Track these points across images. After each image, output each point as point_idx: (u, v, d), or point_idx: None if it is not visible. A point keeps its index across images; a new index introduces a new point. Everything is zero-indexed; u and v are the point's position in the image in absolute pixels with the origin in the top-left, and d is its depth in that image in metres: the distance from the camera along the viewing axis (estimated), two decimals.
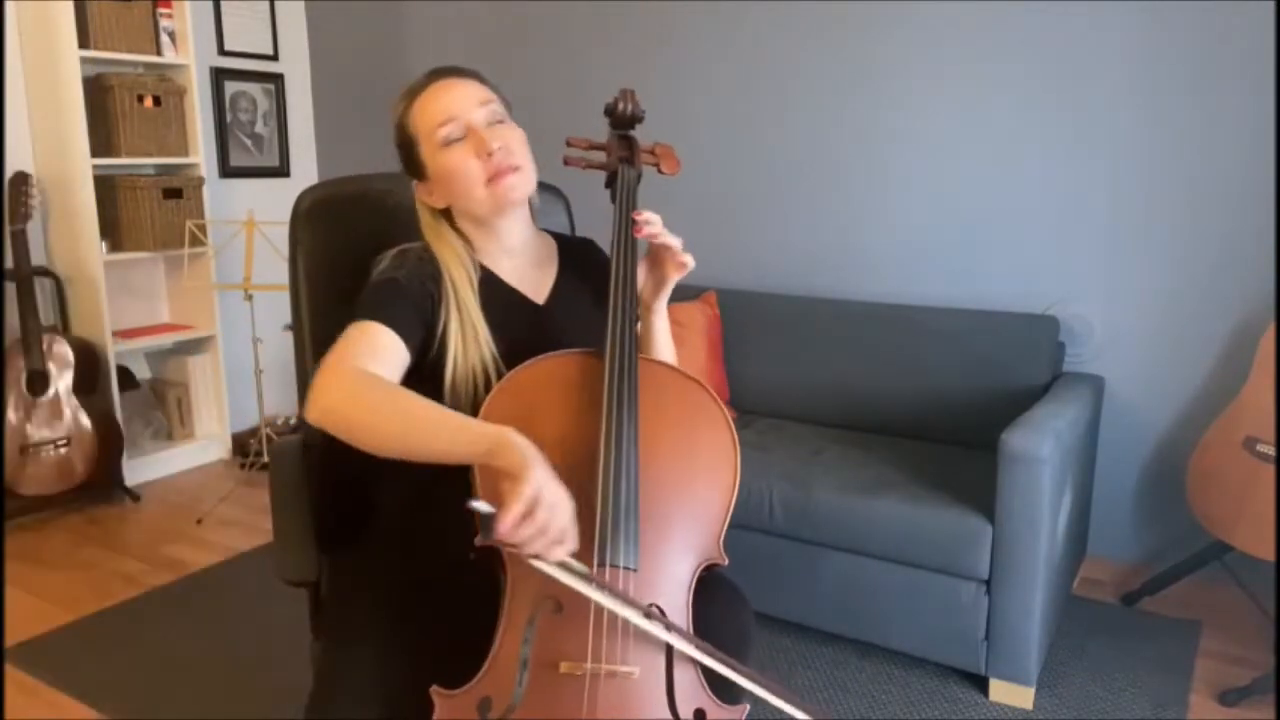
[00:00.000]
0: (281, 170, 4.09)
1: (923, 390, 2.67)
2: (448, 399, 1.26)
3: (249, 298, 3.41)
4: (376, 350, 1.19)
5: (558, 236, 1.49)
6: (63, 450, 3.15)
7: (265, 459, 3.63)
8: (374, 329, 1.20)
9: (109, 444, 3.26)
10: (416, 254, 1.32)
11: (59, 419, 3.15)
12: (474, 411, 1.18)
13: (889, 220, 2.93)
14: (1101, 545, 2.75)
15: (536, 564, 1.00)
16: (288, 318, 1.60)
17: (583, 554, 1.06)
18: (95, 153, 3.23)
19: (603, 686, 1.04)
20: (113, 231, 3.40)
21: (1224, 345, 2.52)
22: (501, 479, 0.99)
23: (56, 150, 3.28)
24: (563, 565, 1.01)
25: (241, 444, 3.80)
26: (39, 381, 3.12)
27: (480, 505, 0.96)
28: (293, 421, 4.02)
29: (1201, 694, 2.18)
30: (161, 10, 3.41)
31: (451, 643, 1.10)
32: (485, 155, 1.27)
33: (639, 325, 1.38)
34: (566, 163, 1.37)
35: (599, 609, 1.05)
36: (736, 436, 1.21)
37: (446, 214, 1.35)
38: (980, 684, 2.18)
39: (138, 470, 3.52)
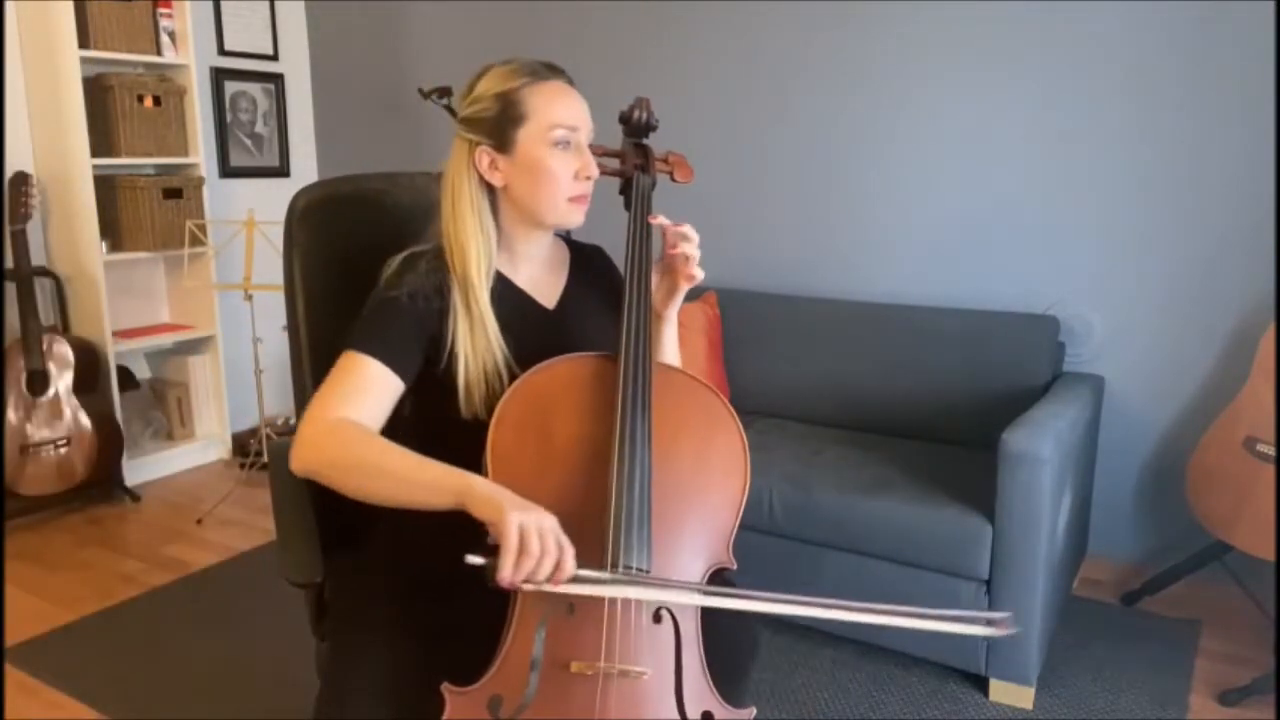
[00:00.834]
0: (281, 170, 4.09)
1: (923, 390, 2.67)
2: (462, 401, 1.26)
3: (249, 298, 3.41)
4: (362, 388, 1.21)
5: (569, 242, 1.50)
6: (63, 450, 3.15)
7: (265, 459, 3.63)
8: (362, 363, 1.21)
9: (109, 444, 3.26)
10: (426, 261, 1.30)
11: (59, 419, 3.15)
12: (489, 412, 1.18)
13: (889, 220, 2.93)
14: (1101, 545, 2.75)
15: (558, 589, 1.02)
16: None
17: (596, 555, 1.07)
18: (95, 153, 3.23)
19: (614, 687, 1.04)
20: (113, 231, 3.40)
21: (1224, 345, 2.52)
22: (490, 526, 1.03)
23: (56, 150, 3.28)
24: (578, 579, 1.03)
25: (241, 444, 3.79)
26: (39, 381, 3.12)
27: (475, 560, 1.01)
28: (292, 422, 4.01)
29: (1201, 694, 2.18)
30: (161, 10, 3.41)
31: (460, 641, 1.11)
32: (584, 177, 1.29)
33: None
34: None
35: (611, 610, 1.05)
36: (747, 442, 1.22)
37: (489, 191, 1.32)
38: (980, 684, 2.18)
39: (138, 470, 3.52)
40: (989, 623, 1.11)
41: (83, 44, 3.16)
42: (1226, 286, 2.50)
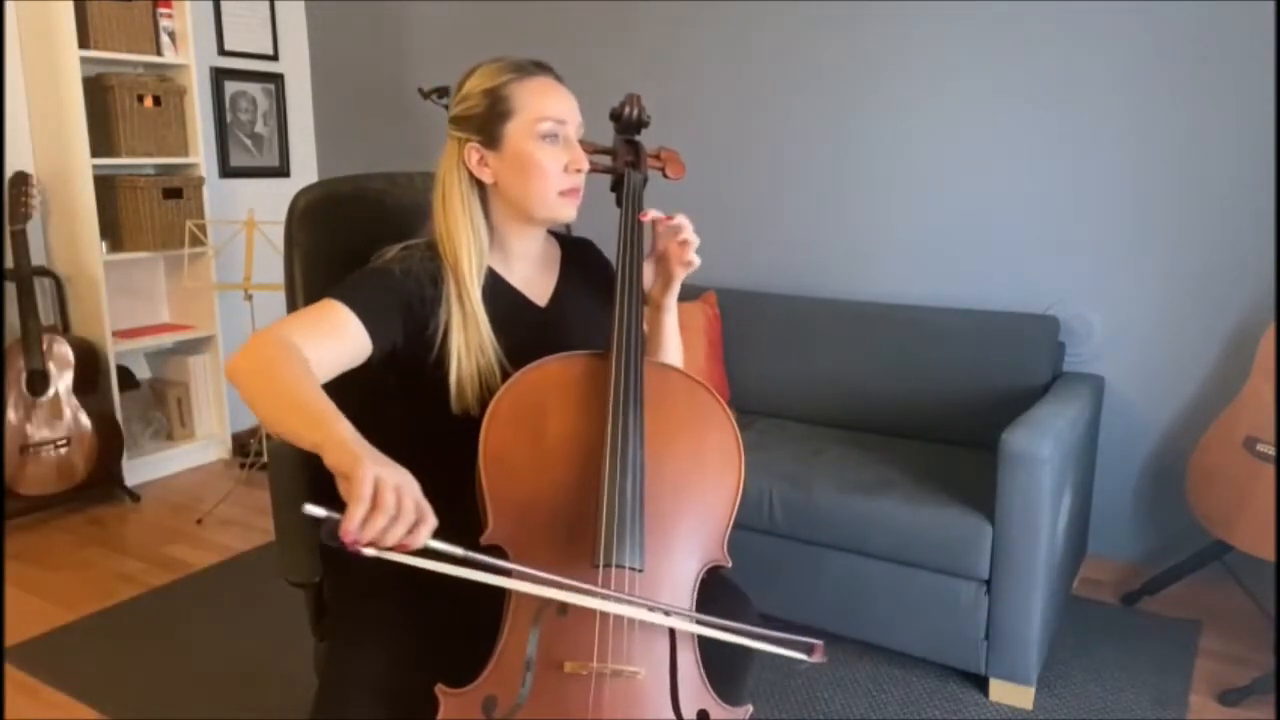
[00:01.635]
0: (281, 170, 4.09)
1: (923, 390, 2.67)
2: (454, 398, 1.26)
3: (249, 298, 3.40)
4: (326, 330, 1.18)
5: (560, 238, 1.50)
6: (63, 450, 3.15)
7: (265, 459, 3.63)
8: (337, 309, 1.20)
9: (109, 444, 3.26)
10: (421, 252, 1.31)
11: (59, 419, 3.15)
12: (482, 409, 1.18)
13: (889, 220, 2.93)
14: (1101, 545, 2.75)
15: (401, 558, 0.94)
16: None
17: (588, 555, 1.06)
18: (95, 153, 3.23)
19: (608, 686, 1.04)
20: (113, 231, 3.40)
21: (1224, 345, 2.52)
22: (339, 481, 0.95)
23: (56, 150, 3.28)
24: (431, 552, 0.95)
25: (241, 444, 3.80)
26: (39, 381, 3.12)
27: (315, 510, 0.89)
28: None
29: (1201, 694, 2.18)
30: (161, 10, 3.41)
31: (457, 642, 1.11)
32: (574, 170, 1.29)
33: (648, 324, 1.39)
34: None
35: (604, 609, 1.04)
36: (741, 440, 1.22)
37: (480, 189, 1.33)
38: (980, 684, 2.18)
39: (138, 470, 3.52)
40: (809, 650, 1.09)
41: (83, 44, 3.16)
42: (1226, 286, 2.50)
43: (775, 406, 2.88)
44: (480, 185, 1.32)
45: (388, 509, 0.90)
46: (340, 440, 0.97)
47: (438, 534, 0.96)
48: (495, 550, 1.09)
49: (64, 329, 3.36)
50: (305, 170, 4.19)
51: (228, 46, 3.83)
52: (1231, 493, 2.26)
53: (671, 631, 1.09)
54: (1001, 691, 2.13)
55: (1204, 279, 2.52)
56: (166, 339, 3.64)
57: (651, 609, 1.06)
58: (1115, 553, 2.74)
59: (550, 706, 1.03)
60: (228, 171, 3.88)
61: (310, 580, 1.43)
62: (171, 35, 3.45)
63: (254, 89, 3.95)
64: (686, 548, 1.15)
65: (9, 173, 3.14)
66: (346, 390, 1.14)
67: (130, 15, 3.31)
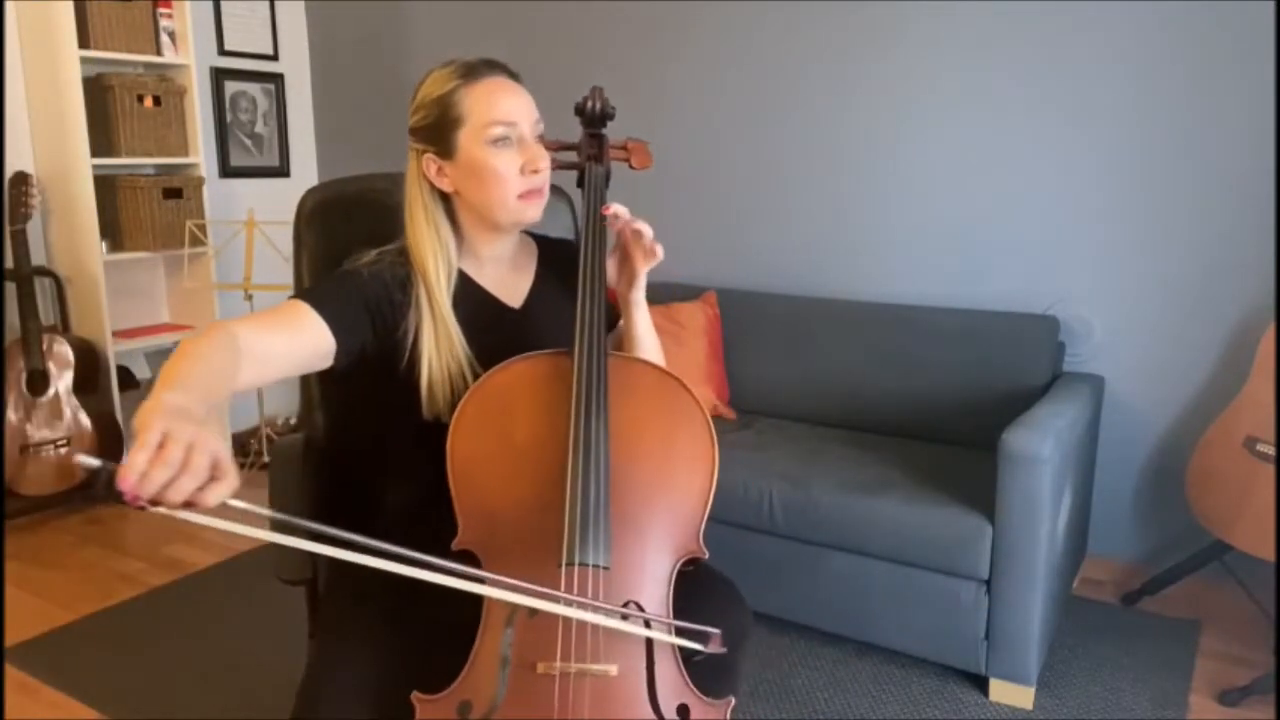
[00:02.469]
0: (281, 170, 4.09)
1: (923, 390, 2.67)
2: (425, 402, 1.26)
3: (249, 298, 3.41)
4: (282, 324, 1.18)
5: (538, 238, 1.49)
6: (63, 450, 3.15)
7: (265, 459, 3.63)
8: (296, 305, 1.20)
9: (109, 444, 3.26)
10: (391, 258, 1.31)
11: (59, 419, 3.15)
12: (452, 413, 1.17)
13: (889, 220, 2.93)
14: (1101, 545, 2.75)
15: (196, 518, 0.86)
16: None
17: (553, 554, 1.06)
18: (95, 153, 3.22)
19: (583, 686, 1.03)
20: (113, 231, 3.39)
21: (1224, 345, 2.52)
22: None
23: (56, 150, 3.28)
24: (232, 510, 0.88)
25: (242, 444, 3.79)
26: (39, 381, 3.12)
27: (89, 460, 0.82)
28: (293, 421, 4.02)
29: (1201, 694, 2.18)
30: (161, 10, 3.41)
31: (441, 647, 1.10)
32: (531, 171, 1.27)
33: (620, 320, 1.38)
34: None
35: (568, 608, 1.04)
36: (714, 430, 1.20)
37: (445, 198, 1.32)
38: (980, 684, 2.18)
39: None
40: (705, 639, 1.08)
41: (83, 44, 3.15)
42: (1226, 286, 2.50)
43: (775, 406, 2.88)
44: (444, 195, 1.31)
45: (171, 461, 0.81)
46: (157, 400, 0.89)
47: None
48: (467, 555, 1.09)
49: (64, 329, 3.36)
50: (305, 170, 4.19)
51: (228, 46, 3.83)
52: (1231, 493, 2.26)
53: (647, 624, 1.08)
54: (1001, 691, 2.13)
55: (1204, 279, 2.52)
56: (166, 339, 3.63)
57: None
58: (1115, 553, 2.74)
59: (525, 707, 1.03)
60: (228, 171, 3.88)
61: (301, 577, 1.44)
62: (171, 35, 3.45)
63: (254, 89, 3.95)
64: (658, 542, 1.14)
65: (9, 173, 3.14)
66: (328, 403, 1.13)
67: (130, 15, 3.31)
